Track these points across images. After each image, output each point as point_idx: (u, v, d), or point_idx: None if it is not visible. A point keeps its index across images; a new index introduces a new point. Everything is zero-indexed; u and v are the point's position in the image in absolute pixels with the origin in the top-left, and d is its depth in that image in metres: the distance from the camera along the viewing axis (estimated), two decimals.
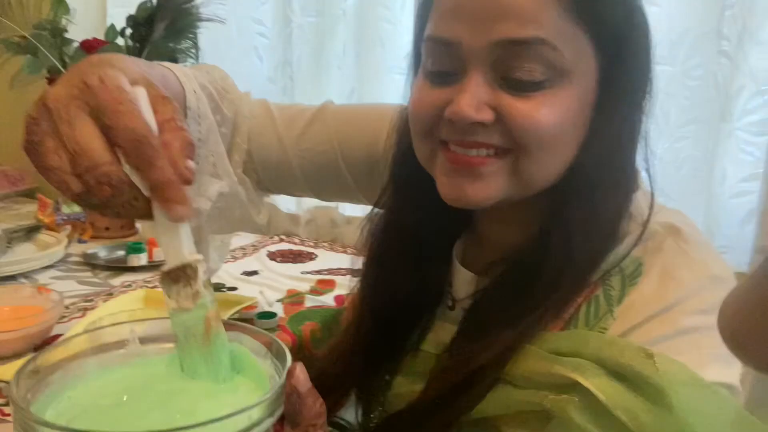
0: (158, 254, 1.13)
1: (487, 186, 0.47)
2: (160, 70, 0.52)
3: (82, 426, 0.32)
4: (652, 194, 0.51)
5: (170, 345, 0.40)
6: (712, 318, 0.46)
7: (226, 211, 0.63)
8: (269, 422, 0.33)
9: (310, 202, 1.44)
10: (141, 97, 0.37)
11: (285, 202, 1.44)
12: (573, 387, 0.44)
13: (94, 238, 1.28)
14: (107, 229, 1.30)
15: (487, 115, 0.45)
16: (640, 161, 0.50)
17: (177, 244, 0.37)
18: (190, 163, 0.37)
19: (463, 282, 0.56)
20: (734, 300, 0.16)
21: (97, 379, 0.38)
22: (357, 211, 1.37)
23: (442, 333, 0.55)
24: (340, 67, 1.37)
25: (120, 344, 0.40)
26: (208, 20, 1.23)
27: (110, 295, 0.99)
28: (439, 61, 0.47)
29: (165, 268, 0.37)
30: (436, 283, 0.57)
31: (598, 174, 0.48)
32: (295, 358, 0.77)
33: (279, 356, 0.37)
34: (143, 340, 0.41)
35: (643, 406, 0.41)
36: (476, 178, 0.46)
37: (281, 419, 0.35)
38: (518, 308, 0.48)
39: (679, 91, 1.06)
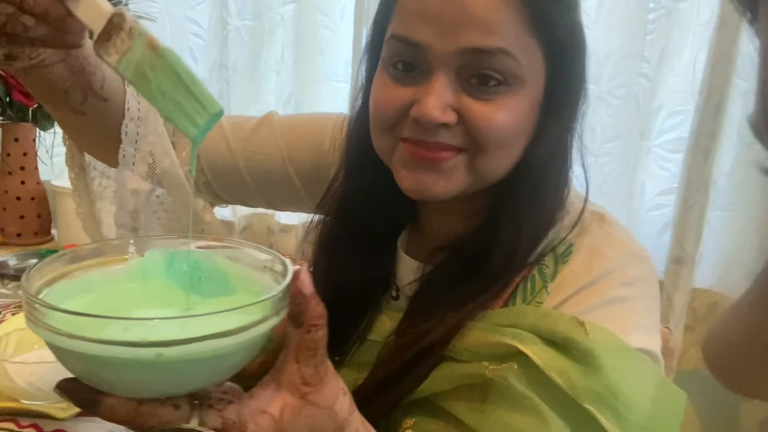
0: None
1: (448, 180, 0.49)
2: None
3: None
4: (587, 185, 0.55)
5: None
6: (634, 290, 0.51)
7: (167, 199, 0.62)
8: (274, 321, 0.35)
9: (246, 209, 1.41)
10: None
11: (219, 209, 1.40)
12: (512, 356, 0.47)
13: (3, 245, 1.19)
14: (19, 235, 1.21)
15: (451, 117, 0.47)
16: (576, 157, 0.55)
17: (94, 8, 0.38)
18: None
19: (408, 270, 0.58)
20: (717, 334, 0.17)
21: (100, 290, 0.39)
22: (293, 219, 1.35)
23: (387, 322, 0.57)
24: (278, 72, 1.35)
25: (121, 260, 0.41)
26: (138, 17, 1.17)
27: (20, 307, 0.92)
28: (404, 59, 0.49)
29: (95, 37, 0.38)
30: (381, 272, 0.59)
31: (542, 170, 0.51)
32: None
33: (279, 267, 0.39)
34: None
35: (574, 368, 0.45)
36: (438, 172, 0.49)
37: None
38: (463, 292, 0.51)
39: (603, 110, 1.12)
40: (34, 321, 0.32)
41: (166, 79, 0.38)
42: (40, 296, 0.35)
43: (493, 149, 0.48)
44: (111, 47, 0.38)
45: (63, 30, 0.40)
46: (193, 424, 0.34)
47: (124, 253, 0.41)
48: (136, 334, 0.31)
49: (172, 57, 0.38)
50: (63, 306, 0.32)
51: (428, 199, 0.50)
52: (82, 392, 0.34)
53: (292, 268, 0.37)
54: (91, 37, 0.40)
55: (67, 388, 0.35)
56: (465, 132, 0.48)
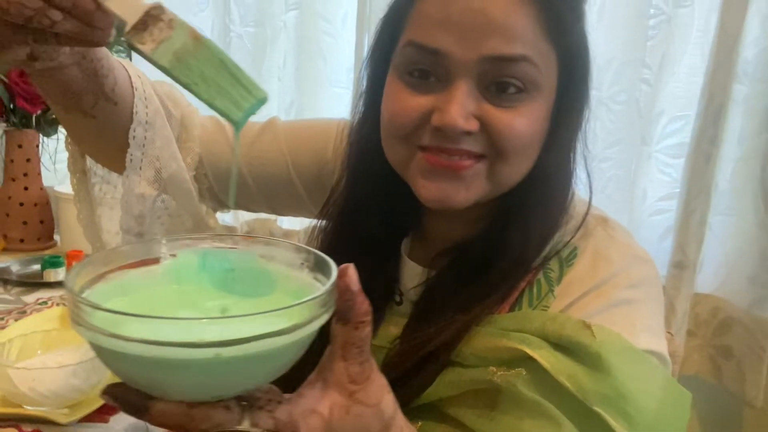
0: None
1: (468, 188, 0.49)
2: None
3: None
4: (591, 189, 0.56)
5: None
6: (639, 292, 0.51)
7: (171, 203, 0.62)
8: (325, 318, 0.34)
9: (248, 214, 1.41)
10: None
11: (221, 214, 1.40)
12: (519, 361, 0.47)
13: (6, 250, 1.20)
14: (22, 241, 1.22)
15: (473, 125, 0.47)
16: (579, 161, 0.55)
17: (130, 0, 0.38)
18: None
19: (412, 275, 0.58)
20: None
21: (137, 292, 0.38)
22: (295, 224, 1.35)
23: (391, 327, 0.57)
24: (281, 78, 1.36)
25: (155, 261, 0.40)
26: None
27: (23, 313, 0.93)
28: (422, 67, 0.49)
29: (128, 27, 0.38)
30: (385, 278, 0.59)
31: (552, 176, 0.52)
32: None
33: (318, 264, 0.38)
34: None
35: (583, 371, 0.45)
36: (459, 181, 0.49)
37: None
38: (469, 295, 0.51)
39: (605, 115, 1.12)
40: (80, 323, 0.31)
41: (210, 66, 0.39)
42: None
43: (514, 156, 0.48)
44: (146, 36, 0.38)
45: (90, 25, 0.40)
46: (246, 425, 0.33)
47: (156, 254, 0.40)
48: (191, 334, 0.30)
49: (216, 47, 0.39)
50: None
51: (448, 208, 0.50)
52: (130, 397, 0.33)
53: (334, 264, 0.37)
54: (119, 33, 0.40)
55: (114, 394, 0.34)
56: (486, 139, 0.48)
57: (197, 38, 0.39)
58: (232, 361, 0.31)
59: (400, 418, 0.40)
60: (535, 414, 0.45)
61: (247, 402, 0.34)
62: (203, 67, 0.39)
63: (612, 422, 0.44)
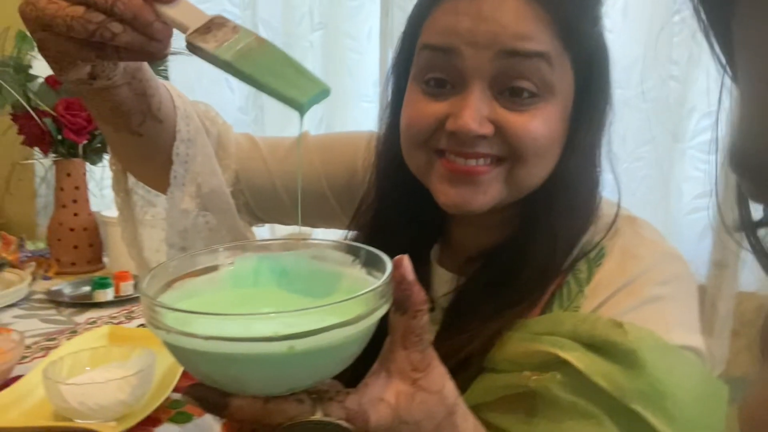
0: (125, 289, 1.12)
1: (486, 192, 0.50)
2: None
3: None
4: (619, 191, 0.55)
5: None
6: (670, 288, 0.50)
7: (212, 218, 0.65)
8: (386, 308, 0.35)
9: (284, 229, 1.44)
10: None
11: (257, 229, 1.44)
12: (553, 364, 0.47)
13: (59, 274, 1.26)
14: (73, 264, 1.28)
15: (488, 129, 0.48)
16: (605, 164, 0.55)
17: (193, 10, 0.40)
18: None
19: (442, 282, 0.58)
20: (751, 404, 0.16)
21: (205, 297, 0.39)
22: (329, 236, 1.38)
23: None
24: None
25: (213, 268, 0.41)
26: (176, 54, 1.24)
27: (74, 332, 0.97)
28: (436, 74, 0.50)
29: (190, 30, 0.40)
30: None
31: (575, 180, 0.52)
32: None
33: (370, 259, 0.39)
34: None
35: (618, 370, 0.45)
36: (477, 185, 0.49)
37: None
38: (499, 301, 0.51)
39: (634, 114, 1.10)
40: (158, 326, 0.32)
41: (275, 60, 0.40)
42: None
43: (533, 159, 0.49)
44: (210, 38, 0.40)
45: (150, 37, 0.42)
46: (318, 416, 0.35)
47: (215, 262, 0.42)
48: (263, 329, 0.31)
49: (278, 48, 0.41)
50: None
51: (466, 213, 0.51)
52: (210, 396, 0.35)
53: (387, 257, 0.38)
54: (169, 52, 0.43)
55: (194, 393, 0.35)
56: (503, 143, 0.49)
57: (261, 41, 0.41)
58: (304, 353, 0.32)
59: (462, 405, 0.41)
60: (574, 415, 0.45)
61: (316, 395, 0.36)
62: (268, 62, 0.40)
63: (651, 419, 0.43)
